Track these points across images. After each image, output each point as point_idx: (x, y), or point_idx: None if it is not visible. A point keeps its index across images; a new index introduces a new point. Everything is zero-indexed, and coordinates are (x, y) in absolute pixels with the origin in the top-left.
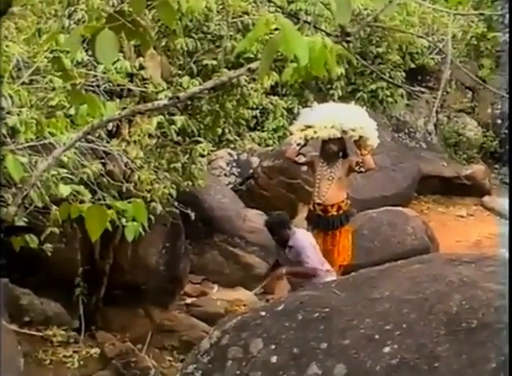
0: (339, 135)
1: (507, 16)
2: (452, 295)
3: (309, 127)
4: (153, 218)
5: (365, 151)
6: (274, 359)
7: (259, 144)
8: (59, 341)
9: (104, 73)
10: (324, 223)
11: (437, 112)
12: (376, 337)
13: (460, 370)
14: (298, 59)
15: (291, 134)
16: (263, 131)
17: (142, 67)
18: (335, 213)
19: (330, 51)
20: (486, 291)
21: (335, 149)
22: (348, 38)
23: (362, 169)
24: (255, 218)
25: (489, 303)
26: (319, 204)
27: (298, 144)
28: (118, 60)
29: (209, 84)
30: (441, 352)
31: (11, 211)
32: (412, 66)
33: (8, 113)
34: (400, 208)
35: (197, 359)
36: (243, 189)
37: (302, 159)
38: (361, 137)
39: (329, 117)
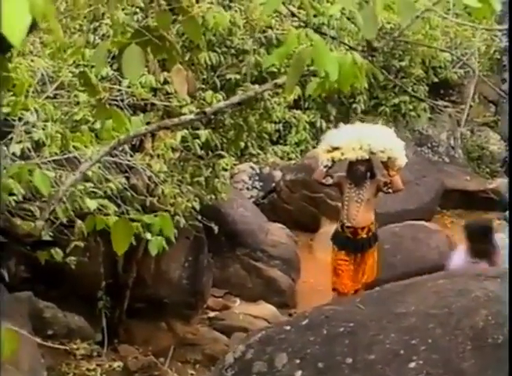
0: (367, 157)
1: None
2: (478, 310)
3: (336, 148)
4: (176, 231)
5: (393, 172)
6: (299, 374)
7: (282, 158)
8: (82, 354)
9: (128, 87)
10: (353, 246)
11: (460, 126)
12: (402, 352)
13: None
14: (328, 75)
15: (317, 154)
16: (285, 145)
17: (166, 82)
18: (365, 236)
19: (360, 67)
20: None
21: (363, 170)
22: (374, 53)
23: (390, 190)
24: (278, 232)
25: None
26: (348, 227)
27: (325, 166)
28: (143, 75)
29: (235, 99)
30: (467, 368)
31: (39, 226)
32: (435, 80)
33: (33, 126)
34: (423, 223)
35: (221, 373)
36: (266, 202)
37: (329, 181)
38: (389, 158)
39: (356, 139)
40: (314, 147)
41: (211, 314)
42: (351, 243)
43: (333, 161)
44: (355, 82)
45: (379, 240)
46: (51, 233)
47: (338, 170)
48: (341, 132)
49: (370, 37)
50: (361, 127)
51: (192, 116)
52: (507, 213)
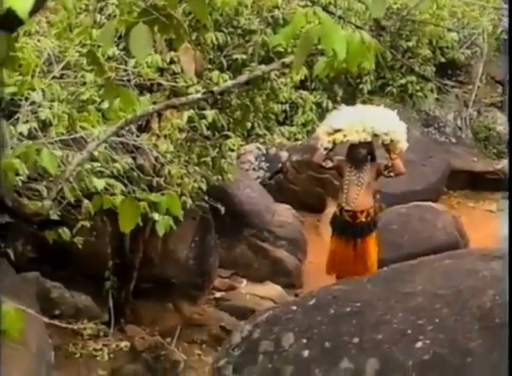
0: (369, 139)
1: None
2: (485, 290)
3: (338, 130)
4: (182, 212)
5: (394, 155)
6: (306, 353)
7: (288, 138)
8: (89, 334)
9: (135, 67)
10: (352, 230)
11: (467, 106)
12: (409, 332)
13: (493, 366)
14: (336, 53)
15: (318, 136)
16: (292, 126)
17: (172, 61)
18: (364, 220)
19: (368, 46)
20: None
21: (364, 153)
22: (382, 32)
23: (392, 174)
24: (284, 213)
25: None
26: (347, 211)
27: (326, 148)
28: (149, 54)
29: (242, 78)
30: (474, 348)
31: (46, 205)
32: (443, 60)
33: (39, 106)
34: (430, 203)
35: (228, 353)
36: (272, 183)
37: (329, 164)
38: (392, 141)
39: (359, 121)
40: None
41: (218, 295)
42: (350, 227)
43: (334, 144)
44: (363, 61)
45: (386, 222)
46: (58, 213)
47: (338, 153)
48: (343, 114)
49: (378, 16)
50: (363, 109)
51: (199, 95)
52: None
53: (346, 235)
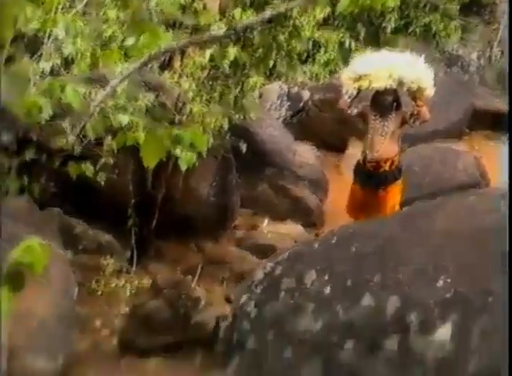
0: (395, 86)
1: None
2: (505, 229)
3: (363, 76)
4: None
5: (421, 102)
6: (327, 290)
7: (310, 78)
8: (112, 271)
9: (157, 5)
10: (376, 179)
11: (491, 46)
12: (430, 270)
13: None
14: None
15: (342, 82)
16: (314, 65)
17: None
18: (388, 168)
19: None
20: None
21: (389, 100)
22: None
23: (417, 122)
24: (305, 152)
25: None
26: (370, 161)
27: (350, 95)
28: None
29: (265, 15)
30: (495, 287)
31: (70, 141)
32: None
33: (62, 43)
34: (451, 145)
35: (250, 289)
36: (294, 122)
37: (354, 111)
38: (419, 88)
39: (385, 67)
40: (341, 67)
41: (239, 233)
42: (373, 177)
43: (359, 90)
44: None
45: (408, 163)
46: (81, 149)
47: (362, 99)
48: (368, 59)
49: None
50: (389, 54)
51: (222, 32)
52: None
53: (369, 185)
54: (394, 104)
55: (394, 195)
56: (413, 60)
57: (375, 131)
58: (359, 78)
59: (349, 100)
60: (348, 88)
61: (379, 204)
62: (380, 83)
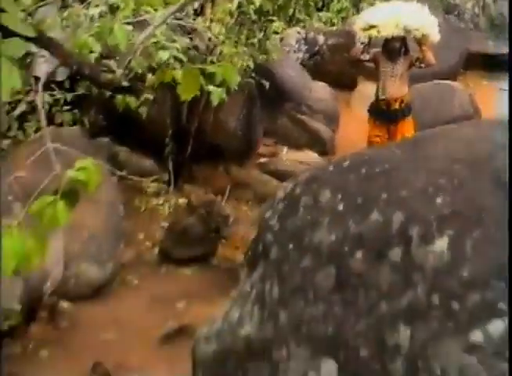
0: (402, 34)
1: None
2: (499, 154)
3: (373, 26)
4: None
5: (425, 48)
6: (340, 206)
7: (325, 23)
8: (152, 191)
9: None
10: (387, 116)
11: None
12: (430, 190)
13: (503, 218)
14: None
15: (355, 31)
16: (328, 12)
17: None
18: (398, 107)
19: None
20: None
21: (397, 46)
22: None
23: (422, 65)
24: (320, 89)
25: None
26: (382, 99)
27: (362, 43)
28: None
29: None
30: (487, 204)
31: (118, 74)
32: None
33: None
34: (448, 82)
35: (274, 206)
36: (310, 63)
37: (366, 57)
38: (423, 35)
39: (392, 17)
40: (353, 15)
41: (262, 160)
42: (385, 114)
43: (370, 38)
44: None
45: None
46: (126, 84)
47: (374, 46)
48: (377, 11)
49: None
50: (397, 5)
51: None
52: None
53: (382, 120)
54: (403, 49)
55: (404, 129)
56: (418, 10)
57: (386, 73)
58: (370, 28)
59: (361, 47)
60: (360, 36)
61: (391, 136)
62: (388, 31)
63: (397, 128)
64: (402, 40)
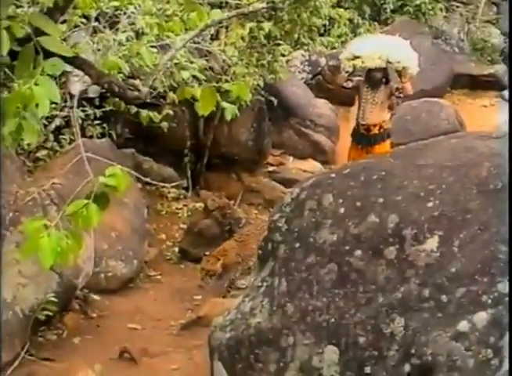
0: (384, 66)
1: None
2: (482, 163)
3: (358, 57)
4: (243, 104)
5: (405, 79)
6: (341, 209)
7: (326, 47)
8: (172, 196)
9: None
10: (367, 140)
11: (468, 23)
12: (422, 194)
13: (487, 220)
14: None
15: (341, 61)
16: (330, 37)
17: None
18: (377, 131)
19: None
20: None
21: (379, 76)
22: None
23: (401, 95)
24: (322, 106)
25: None
26: (362, 125)
27: (347, 71)
28: None
29: None
30: (472, 207)
31: (143, 91)
32: None
33: (135, 19)
34: (436, 99)
35: (281, 209)
36: (313, 83)
37: (350, 84)
38: (403, 67)
39: (376, 49)
40: (351, 39)
41: (270, 168)
42: (365, 138)
43: (354, 68)
44: None
45: (401, 114)
46: (150, 101)
47: (357, 75)
48: (363, 42)
49: None
50: (381, 38)
51: (264, 4)
52: (504, 92)
53: (362, 144)
54: (384, 79)
55: (381, 152)
56: (401, 44)
57: (366, 101)
58: (354, 58)
59: (346, 75)
60: (345, 65)
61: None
62: (371, 62)
63: (374, 151)
64: (384, 70)
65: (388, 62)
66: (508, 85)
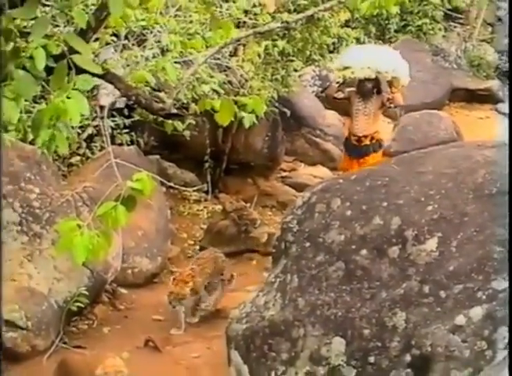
0: (374, 76)
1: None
2: (478, 170)
3: (347, 68)
4: (259, 115)
5: (395, 89)
6: (348, 212)
7: None
8: (194, 199)
9: (227, 9)
10: (358, 151)
11: (465, 41)
12: (422, 199)
13: (482, 223)
14: None
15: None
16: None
17: (254, 5)
18: (368, 142)
19: None
20: (504, 168)
21: (370, 87)
22: None
23: (392, 105)
24: (331, 117)
25: (506, 176)
26: (354, 135)
27: (337, 82)
28: None
29: (308, 13)
30: (469, 210)
31: (168, 103)
32: (449, 7)
33: (160, 37)
34: (435, 111)
35: (293, 212)
36: (323, 96)
37: (341, 95)
38: (393, 77)
39: (365, 60)
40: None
41: (283, 174)
42: (356, 149)
43: (345, 79)
44: (397, 3)
45: (404, 124)
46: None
47: (349, 85)
48: (352, 53)
49: None
50: (370, 49)
51: (278, 24)
52: (498, 105)
53: (353, 155)
54: (375, 90)
55: (372, 163)
56: (389, 54)
57: (358, 111)
58: (344, 69)
59: (337, 86)
60: (336, 77)
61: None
62: (361, 73)
63: (366, 162)
64: (375, 81)
65: (378, 72)
66: (508, 89)
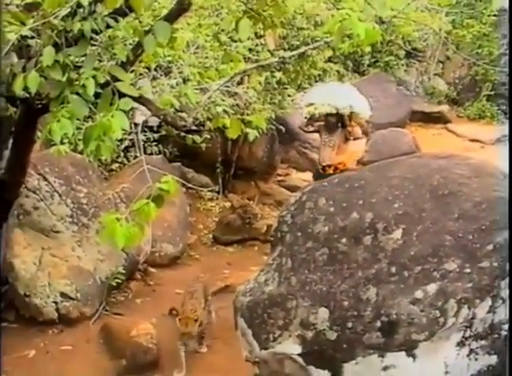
0: (335, 111)
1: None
2: (434, 175)
3: (312, 104)
4: (260, 131)
5: (353, 123)
6: (332, 209)
7: None
8: (208, 197)
9: (235, 48)
10: (322, 178)
11: (422, 75)
12: (390, 198)
13: (436, 217)
14: (359, 35)
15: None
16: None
17: (256, 45)
18: (331, 172)
19: (377, 32)
20: (454, 174)
21: (334, 121)
22: (382, 25)
23: (351, 137)
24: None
25: (455, 180)
26: (320, 164)
27: (305, 117)
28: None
29: (300, 51)
30: (426, 207)
31: (189, 121)
32: (409, 48)
33: (182, 69)
34: (399, 129)
35: (288, 208)
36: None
37: (310, 129)
38: (352, 112)
39: (325, 97)
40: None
41: (279, 178)
42: (321, 177)
43: (311, 114)
44: (375, 41)
45: (374, 140)
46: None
47: (319, 120)
48: (317, 91)
49: (382, 15)
50: (331, 87)
51: (276, 59)
52: (447, 125)
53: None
54: (340, 124)
55: None
56: (348, 91)
57: (325, 143)
58: (309, 105)
59: (305, 121)
60: (304, 112)
61: None
62: (322, 109)
63: None
64: (339, 116)
65: (336, 108)
66: (508, 95)
